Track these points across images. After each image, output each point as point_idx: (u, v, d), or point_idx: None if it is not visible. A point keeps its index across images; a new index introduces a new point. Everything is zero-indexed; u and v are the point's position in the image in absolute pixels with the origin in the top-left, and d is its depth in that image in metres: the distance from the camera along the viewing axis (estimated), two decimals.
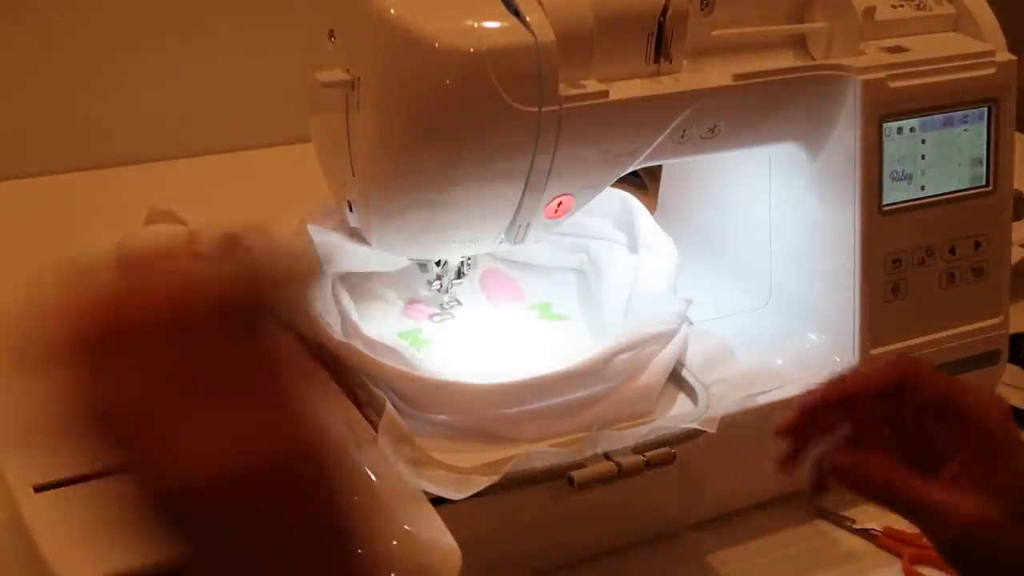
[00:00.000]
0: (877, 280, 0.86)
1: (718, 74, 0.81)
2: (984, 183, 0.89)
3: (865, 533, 0.86)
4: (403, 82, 0.73)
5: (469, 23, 0.72)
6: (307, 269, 0.79)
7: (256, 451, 0.47)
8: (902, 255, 0.87)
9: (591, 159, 0.79)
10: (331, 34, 0.77)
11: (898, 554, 0.84)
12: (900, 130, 0.85)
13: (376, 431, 0.73)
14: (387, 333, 0.83)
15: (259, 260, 0.53)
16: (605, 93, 0.76)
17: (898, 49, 0.87)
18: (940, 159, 0.87)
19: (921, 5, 0.91)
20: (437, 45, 0.71)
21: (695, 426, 0.78)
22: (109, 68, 1.33)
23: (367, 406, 0.77)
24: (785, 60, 0.84)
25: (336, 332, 0.79)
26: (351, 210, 0.81)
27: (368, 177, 0.77)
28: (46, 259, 1.23)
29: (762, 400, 0.82)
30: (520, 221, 0.79)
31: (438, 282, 0.87)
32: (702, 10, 0.80)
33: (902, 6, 0.91)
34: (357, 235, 0.83)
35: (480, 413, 0.77)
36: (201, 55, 1.36)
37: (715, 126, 0.82)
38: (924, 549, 0.84)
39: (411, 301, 0.90)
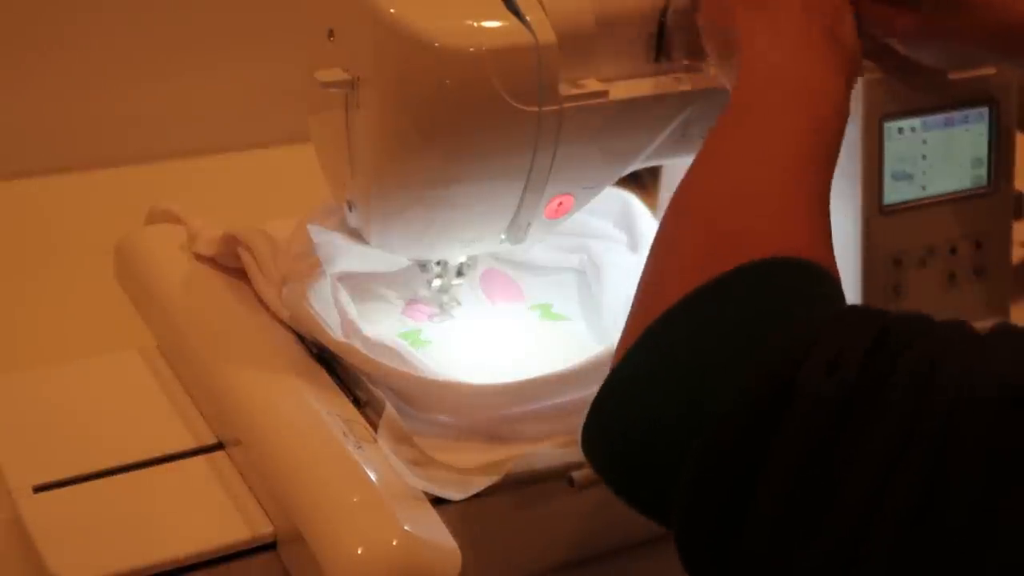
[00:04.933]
0: (878, 280, 0.86)
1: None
2: (985, 183, 0.89)
3: None
4: (403, 82, 0.73)
5: (469, 23, 0.72)
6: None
7: None
8: (903, 255, 0.87)
9: (591, 159, 0.79)
10: (331, 34, 0.77)
11: None
12: (901, 130, 0.85)
13: (376, 431, 0.73)
14: (387, 333, 0.83)
15: None
16: (605, 93, 0.76)
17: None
18: (941, 159, 0.87)
19: None
20: (437, 45, 0.71)
21: None
22: (109, 68, 1.33)
23: (367, 406, 0.77)
24: None
25: (336, 332, 0.79)
26: (351, 210, 0.81)
27: (368, 177, 0.77)
28: (46, 259, 1.23)
29: None
30: (520, 221, 0.79)
31: (438, 282, 0.87)
32: None
33: None
34: (357, 235, 0.83)
35: (480, 413, 0.77)
36: (201, 55, 1.36)
37: None
38: None
39: (411, 301, 0.90)
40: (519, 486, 0.73)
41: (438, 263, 0.86)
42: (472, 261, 0.87)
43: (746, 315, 0.54)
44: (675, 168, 1.01)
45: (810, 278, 0.57)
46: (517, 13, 0.73)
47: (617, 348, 0.59)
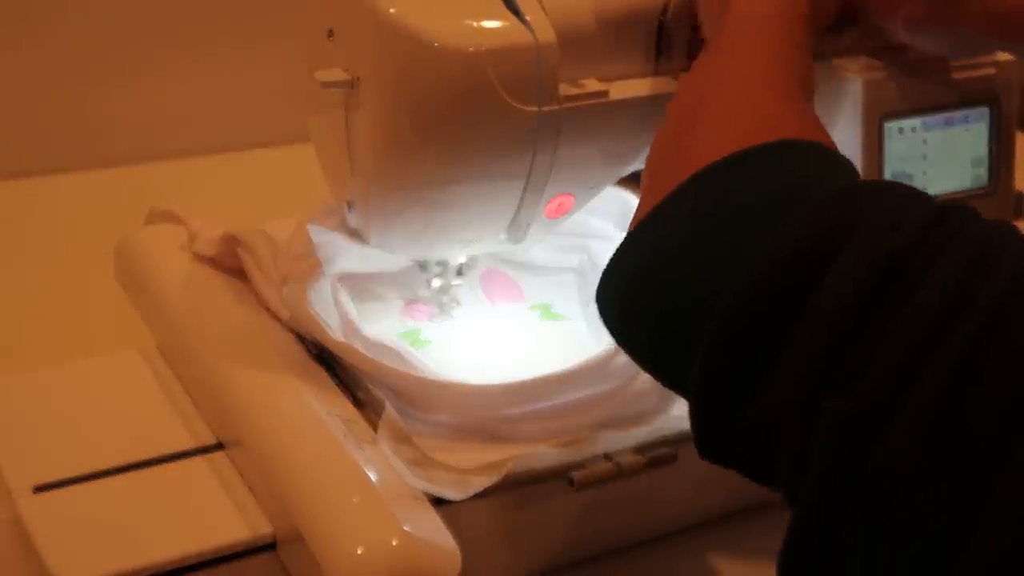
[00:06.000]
0: None
1: None
2: (985, 183, 0.89)
3: None
4: (403, 82, 0.73)
5: (469, 23, 0.72)
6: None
7: None
8: None
9: (591, 159, 0.79)
10: (331, 34, 0.77)
11: None
12: (901, 130, 0.85)
13: (376, 431, 0.73)
14: (387, 333, 0.83)
15: None
16: (605, 93, 0.76)
17: (899, 48, 0.87)
18: (941, 159, 0.87)
19: None
20: (437, 45, 0.71)
21: None
22: (109, 67, 1.33)
23: (367, 406, 0.77)
24: None
25: (336, 332, 0.79)
26: (351, 210, 0.81)
27: (367, 176, 0.77)
28: (46, 259, 1.23)
29: None
30: (520, 221, 0.79)
31: (438, 282, 0.87)
32: None
33: None
34: (357, 235, 0.83)
35: (480, 413, 0.77)
36: (201, 54, 1.36)
37: None
38: None
39: (411, 301, 0.90)
40: (519, 486, 0.73)
41: (438, 263, 0.86)
42: (472, 261, 0.87)
43: (782, 179, 0.53)
44: None
45: (839, 160, 0.57)
46: (517, 13, 0.73)
47: (636, 211, 0.58)
